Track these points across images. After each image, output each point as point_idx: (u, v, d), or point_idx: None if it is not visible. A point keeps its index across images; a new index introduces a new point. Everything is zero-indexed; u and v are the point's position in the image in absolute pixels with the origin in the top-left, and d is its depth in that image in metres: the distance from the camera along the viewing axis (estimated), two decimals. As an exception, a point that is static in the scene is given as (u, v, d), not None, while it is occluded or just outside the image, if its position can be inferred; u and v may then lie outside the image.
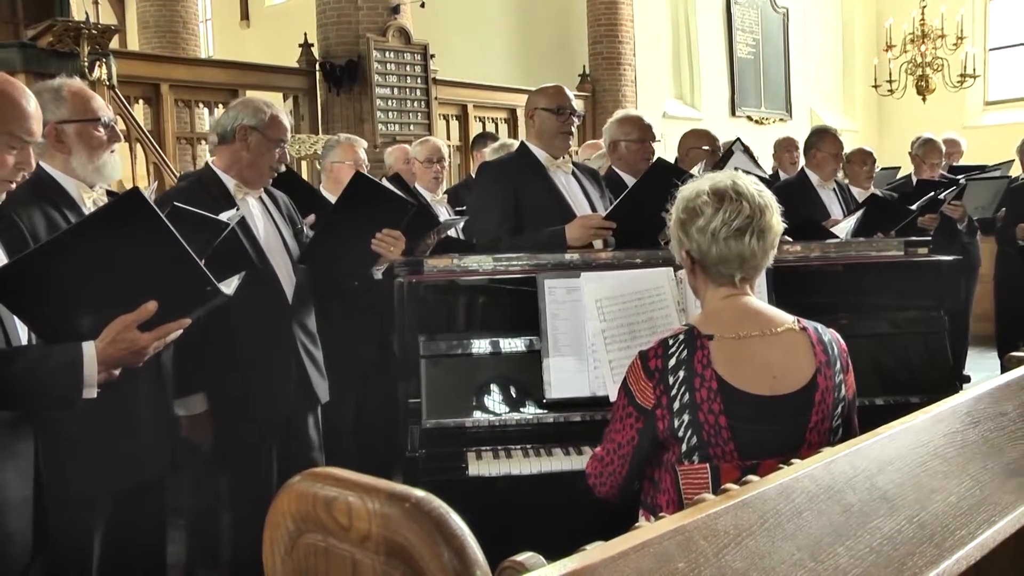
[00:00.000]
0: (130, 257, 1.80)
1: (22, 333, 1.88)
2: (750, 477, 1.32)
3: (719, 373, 1.75)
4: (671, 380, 1.76)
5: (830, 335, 1.88)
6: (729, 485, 1.26)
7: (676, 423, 1.75)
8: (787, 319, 1.85)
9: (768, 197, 1.84)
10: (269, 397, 2.78)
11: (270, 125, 2.79)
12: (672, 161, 4.59)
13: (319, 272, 2.91)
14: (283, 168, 2.94)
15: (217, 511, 3.09)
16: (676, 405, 1.75)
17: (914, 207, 4.87)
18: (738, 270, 1.83)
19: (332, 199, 4.05)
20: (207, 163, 2.89)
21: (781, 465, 1.71)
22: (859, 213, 4.42)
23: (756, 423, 1.75)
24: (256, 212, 2.85)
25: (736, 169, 3.46)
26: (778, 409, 1.76)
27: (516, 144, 4.90)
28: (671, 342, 1.79)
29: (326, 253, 2.85)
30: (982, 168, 6.43)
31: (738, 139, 4.10)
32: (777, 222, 1.84)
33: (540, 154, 3.29)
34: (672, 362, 1.77)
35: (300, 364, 2.85)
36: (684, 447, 1.75)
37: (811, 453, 1.74)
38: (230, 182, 2.80)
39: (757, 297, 1.91)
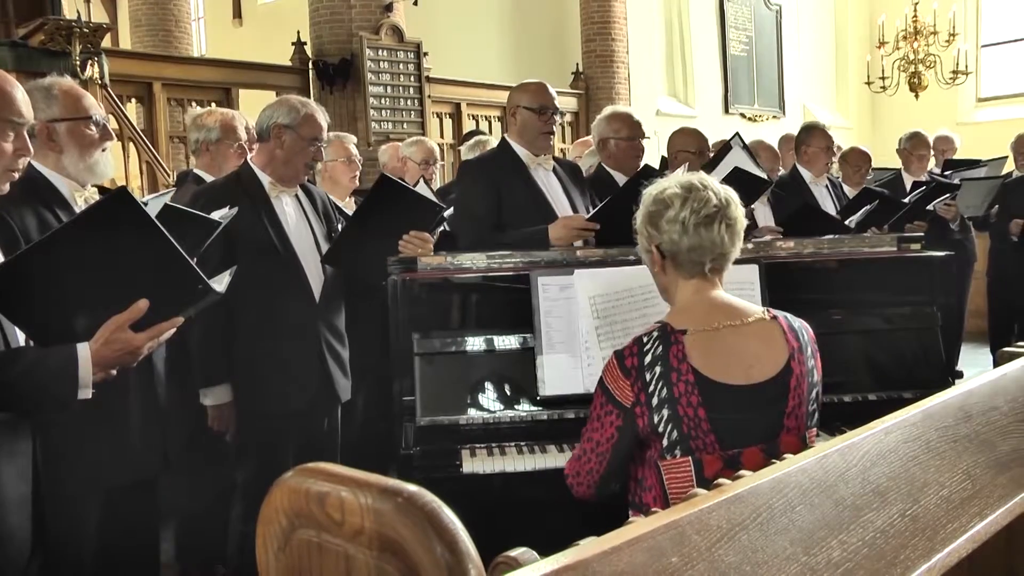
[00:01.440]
0: (120, 256, 1.78)
1: (20, 334, 1.87)
2: (743, 472, 1.32)
3: (695, 366, 1.77)
4: (648, 377, 1.78)
5: (799, 322, 1.91)
6: (722, 480, 1.27)
7: (656, 418, 1.77)
8: (756, 309, 1.88)
9: (731, 194, 1.89)
10: (290, 393, 2.81)
11: (304, 124, 2.83)
12: (661, 160, 4.60)
13: (345, 272, 2.94)
14: (319, 166, 2.95)
15: (225, 507, 3.09)
16: (655, 401, 1.77)
17: (906, 200, 4.89)
18: (709, 259, 1.86)
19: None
20: (246, 160, 2.93)
21: (763, 452, 1.75)
22: (870, 206, 4.44)
23: (735, 412, 1.77)
24: (289, 209, 2.89)
25: (735, 168, 3.48)
26: (755, 397, 1.79)
27: (490, 139, 4.91)
28: (645, 339, 1.81)
29: (350, 254, 2.86)
30: (975, 163, 6.44)
31: (736, 134, 4.07)
32: (741, 216, 1.89)
33: (521, 151, 3.27)
34: (648, 359, 1.79)
35: (324, 362, 2.88)
36: (665, 442, 1.77)
37: (790, 438, 1.79)
38: (266, 179, 2.85)
39: (747, 293, 1.93)
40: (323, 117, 2.91)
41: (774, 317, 1.87)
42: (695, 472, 1.76)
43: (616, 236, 3.05)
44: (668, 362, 1.77)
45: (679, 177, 1.89)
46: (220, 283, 1.98)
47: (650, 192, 1.92)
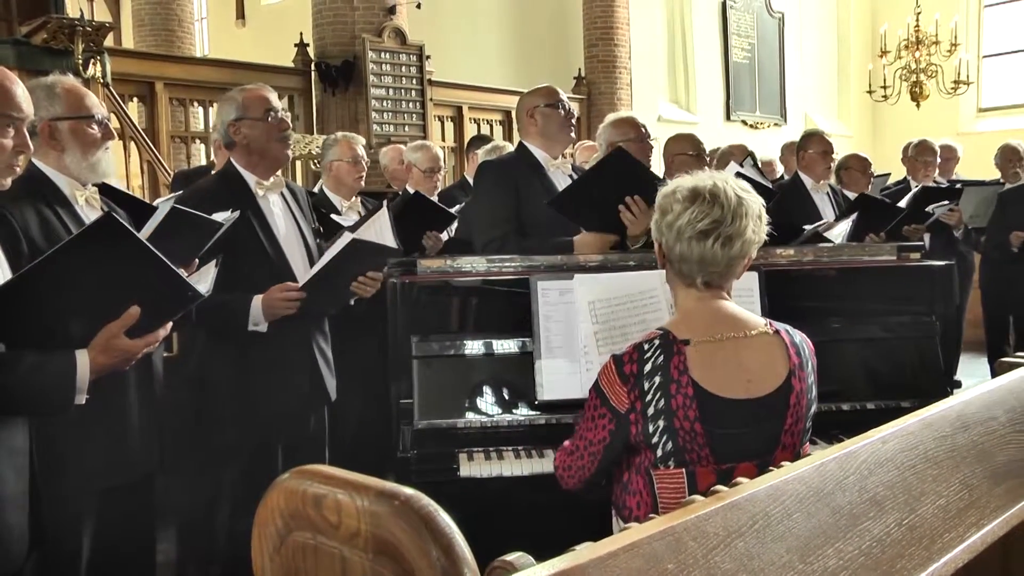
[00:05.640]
0: (111, 274, 1.80)
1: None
2: (740, 479, 1.32)
3: (695, 379, 1.74)
4: (646, 385, 1.75)
5: (800, 336, 1.88)
6: (719, 487, 1.26)
7: (651, 428, 1.75)
8: (760, 322, 1.85)
9: (750, 205, 1.80)
10: (283, 394, 2.79)
11: (250, 106, 2.78)
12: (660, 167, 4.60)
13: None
14: (291, 135, 2.90)
15: (216, 509, 3.08)
16: (651, 411, 1.74)
17: (902, 203, 4.88)
18: (699, 272, 1.81)
19: (334, 198, 4.10)
20: (229, 160, 2.86)
21: (757, 468, 1.72)
22: (853, 216, 4.44)
23: (732, 427, 1.75)
24: (277, 209, 2.86)
25: (737, 172, 3.48)
26: (754, 412, 1.76)
27: (507, 145, 4.93)
28: (646, 347, 1.78)
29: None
30: (981, 183, 6.46)
31: (751, 154, 4.11)
32: (752, 232, 1.80)
33: (539, 154, 3.29)
34: (648, 367, 1.76)
35: (313, 360, 2.87)
36: (659, 452, 1.75)
37: (785, 455, 1.76)
38: (251, 179, 2.81)
39: (746, 300, 1.92)
40: (266, 89, 2.85)
41: (776, 331, 1.83)
42: (688, 484, 1.74)
43: (592, 218, 3.06)
44: (668, 373, 1.74)
45: (699, 178, 1.82)
46: (205, 282, 2.00)
47: (664, 189, 1.87)
